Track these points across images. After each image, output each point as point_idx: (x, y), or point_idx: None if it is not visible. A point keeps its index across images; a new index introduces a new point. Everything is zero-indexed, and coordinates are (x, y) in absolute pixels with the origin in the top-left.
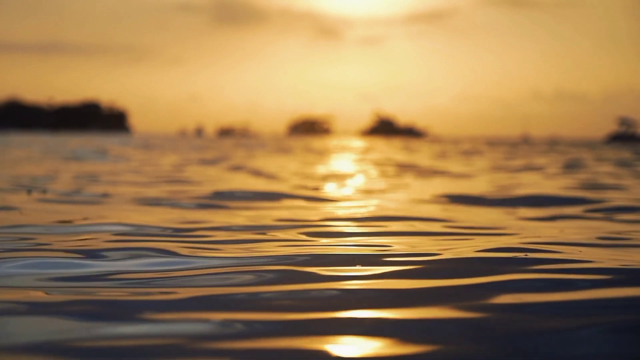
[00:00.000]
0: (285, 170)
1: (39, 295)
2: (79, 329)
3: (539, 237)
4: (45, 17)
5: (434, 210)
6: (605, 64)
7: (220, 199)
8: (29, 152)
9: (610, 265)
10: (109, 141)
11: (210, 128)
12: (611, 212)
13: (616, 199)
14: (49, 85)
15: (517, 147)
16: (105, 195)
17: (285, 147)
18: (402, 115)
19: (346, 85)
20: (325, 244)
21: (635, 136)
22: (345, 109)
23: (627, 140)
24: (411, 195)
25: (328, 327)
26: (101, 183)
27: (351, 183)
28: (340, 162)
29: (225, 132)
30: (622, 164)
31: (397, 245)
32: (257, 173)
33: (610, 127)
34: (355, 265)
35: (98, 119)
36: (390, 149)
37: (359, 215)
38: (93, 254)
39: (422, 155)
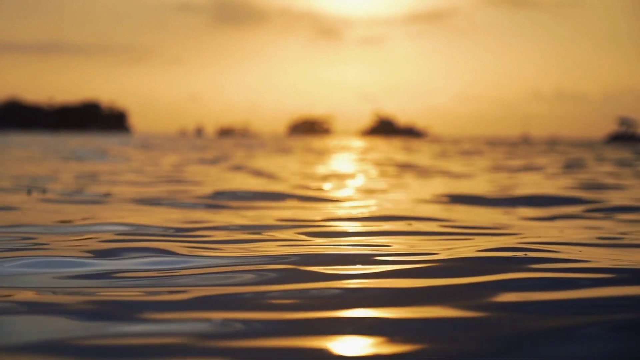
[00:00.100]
0: (285, 170)
1: (39, 295)
2: (79, 328)
3: (539, 236)
4: (45, 17)
5: (434, 210)
6: (605, 64)
7: (221, 199)
8: (28, 152)
9: (610, 264)
10: (108, 141)
11: (210, 128)
12: (611, 212)
13: (616, 199)
14: (49, 85)
15: (517, 147)
16: (105, 195)
17: (285, 147)
18: (402, 115)
19: (346, 85)
20: (325, 243)
21: (635, 136)
22: (345, 109)
23: (627, 140)
24: (411, 195)
25: (329, 326)
26: (101, 183)
27: (351, 183)
28: (340, 162)
29: (225, 132)
30: (622, 163)
31: (397, 244)
32: (258, 173)
33: (610, 127)
34: (355, 264)
35: (98, 119)
36: (390, 149)
37: (359, 215)
38: (93, 254)
39: (422, 155)
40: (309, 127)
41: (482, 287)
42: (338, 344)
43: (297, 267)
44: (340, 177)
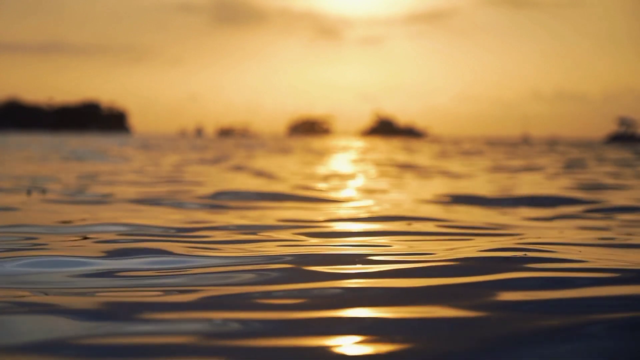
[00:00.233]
0: (285, 170)
1: (39, 295)
2: (79, 328)
3: (539, 237)
4: (45, 17)
5: (434, 210)
6: (605, 64)
7: (221, 199)
8: (28, 152)
9: (610, 264)
10: (108, 141)
11: (210, 128)
12: (611, 212)
13: (616, 199)
14: (49, 85)
15: (517, 147)
16: (105, 195)
17: (285, 147)
18: (402, 115)
19: (346, 85)
20: (325, 243)
21: (635, 136)
22: (345, 109)
23: (627, 140)
24: (411, 196)
25: (328, 326)
26: (101, 183)
27: (351, 183)
28: (340, 163)
29: (225, 132)
30: (622, 164)
31: (397, 245)
32: (258, 173)
33: (610, 127)
34: (355, 264)
35: (98, 119)
36: (390, 149)
37: (359, 216)
38: (93, 254)
39: (422, 155)
40: (309, 127)
41: (481, 287)
42: (338, 344)
43: (297, 267)
44: (340, 178)
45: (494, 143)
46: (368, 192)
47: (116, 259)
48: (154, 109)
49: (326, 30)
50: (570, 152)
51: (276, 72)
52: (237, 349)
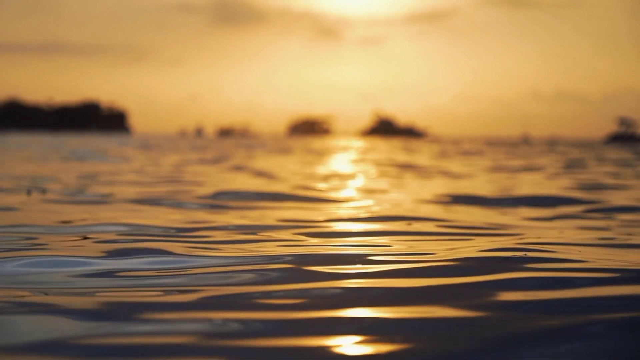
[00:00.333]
0: (285, 170)
1: (39, 295)
2: (79, 328)
3: (539, 237)
4: (45, 17)
5: (434, 210)
6: (605, 64)
7: (221, 199)
8: (28, 152)
9: (609, 264)
10: (108, 141)
11: (210, 128)
12: (611, 212)
13: (616, 199)
14: (49, 85)
15: (517, 147)
16: (105, 195)
17: (285, 147)
18: (402, 115)
19: (346, 85)
20: (325, 243)
21: (635, 136)
22: (345, 109)
23: (627, 140)
24: (411, 196)
25: (328, 326)
26: (101, 183)
27: (352, 183)
28: (340, 163)
29: (225, 133)
30: (622, 164)
31: (397, 245)
32: (258, 173)
33: (610, 127)
34: (355, 264)
35: (98, 119)
36: (390, 149)
37: (359, 216)
38: (94, 254)
39: (422, 155)
40: (309, 128)
41: (481, 287)
42: (338, 344)
43: (297, 267)
44: (340, 178)
45: (494, 143)
46: (368, 192)
47: (116, 259)
48: (154, 109)
49: (326, 30)
50: (570, 152)
51: (276, 72)
52: (237, 349)
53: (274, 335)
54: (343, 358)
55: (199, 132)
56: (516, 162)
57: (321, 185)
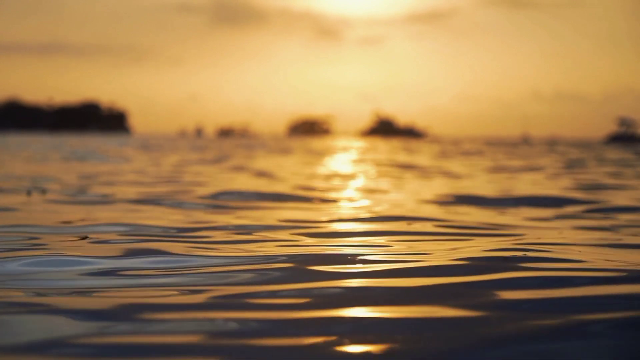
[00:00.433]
0: (285, 170)
1: (39, 295)
2: (79, 328)
3: (539, 237)
4: (45, 17)
5: (434, 211)
6: (605, 64)
7: (221, 199)
8: (28, 152)
9: (610, 264)
10: (108, 142)
11: (210, 128)
12: (611, 212)
13: (616, 199)
14: (49, 85)
15: (517, 147)
16: (105, 195)
17: (286, 147)
18: (402, 116)
19: (346, 85)
20: (325, 243)
21: (635, 136)
22: (345, 109)
23: (627, 140)
24: (411, 196)
25: (329, 326)
26: (102, 183)
27: (352, 183)
28: (340, 163)
29: (225, 133)
30: (622, 164)
31: (397, 244)
32: (258, 173)
33: (610, 127)
34: (355, 264)
35: (98, 119)
36: (390, 149)
37: (359, 216)
38: (94, 254)
39: (422, 155)
40: (309, 128)
41: (481, 287)
42: (338, 344)
43: (297, 267)
44: (340, 178)
45: (494, 143)
46: (368, 192)
47: (116, 259)
48: (154, 109)
49: (326, 30)
50: (570, 152)
51: (276, 72)
52: (237, 348)
53: (274, 335)
54: (343, 358)
55: (198, 132)
56: (516, 162)
57: (321, 185)
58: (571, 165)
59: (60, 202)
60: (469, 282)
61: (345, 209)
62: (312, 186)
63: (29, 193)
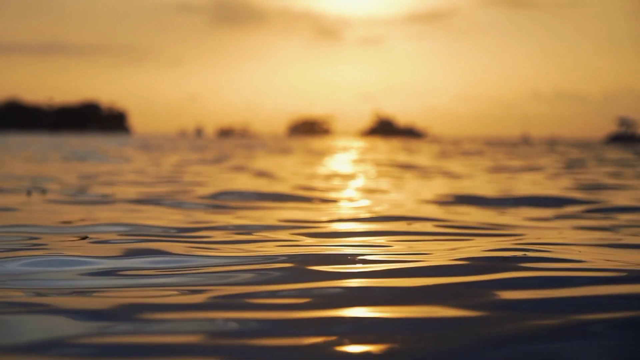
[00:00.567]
0: (285, 170)
1: (39, 295)
2: (79, 328)
3: (539, 237)
4: (45, 17)
5: (434, 211)
6: (605, 64)
7: (222, 199)
8: (28, 152)
9: (609, 264)
10: (108, 142)
11: (210, 128)
12: (611, 212)
13: (616, 199)
14: (49, 85)
15: (517, 147)
16: (105, 195)
17: (286, 147)
18: (402, 116)
19: (346, 85)
20: (325, 243)
21: (635, 136)
22: (345, 109)
23: (627, 140)
24: (411, 196)
25: (329, 326)
26: (102, 183)
27: (352, 183)
28: (340, 163)
29: (225, 133)
30: (622, 164)
31: (397, 244)
32: (258, 173)
33: (610, 127)
34: (355, 264)
35: (97, 119)
36: (390, 149)
37: (359, 216)
38: (94, 254)
39: (422, 155)
40: (309, 128)
41: (481, 287)
42: (338, 344)
43: (297, 267)
44: (340, 178)
45: (493, 143)
46: (368, 192)
47: (116, 259)
48: (154, 109)
49: (326, 30)
50: (570, 152)
51: (276, 72)
52: (237, 348)
53: (274, 335)
54: (343, 358)
55: (198, 132)
56: (516, 162)
57: (321, 185)
58: (571, 165)
59: (60, 202)
60: (469, 282)
61: (345, 209)
62: (312, 186)
63: (29, 193)
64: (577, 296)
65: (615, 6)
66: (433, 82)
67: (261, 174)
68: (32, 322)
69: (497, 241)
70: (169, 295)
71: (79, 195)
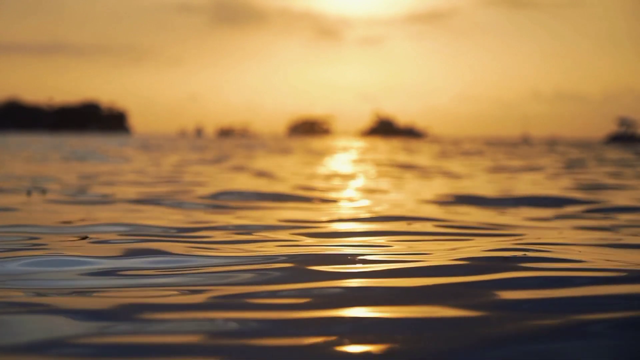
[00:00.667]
0: (285, 170)
1: (39, 295)
2: (79, 328)
3: (539, 237)
4: (45, 17)
5: (434, 211)
6: (605, 64)
7: (222, 199)
8: (28, 152)
9: (609, 264)
10: (108, 142)
11: (210, 128)
12: (611, 212)
13: (616, 199)
14: (49, 85)
15: (517, 147)
16: (105, 195)
17: (286, 147)
18: (402, 116)
19: (346, 85)
20: (325, 243)
21: (635, 136)
22: (345, 109)
23: (627, 140)
24: (412, 196)
25: (329, 326)
26: (102, 183)
27: (352, 183)
28: (340, 163)
29: (225, 133)
30: (622, 164)
31: (397, 244)
32: (258, 173)
33: (610, 127)
34: (355, 264)
35: (98, 119)
36: (390, 149)
37: (359, 216)
38: (94, 254)
39: (423, 155)
40: (309, 128)
41: (481, 287)
42: (338, 344)
43: (297, 267)
44: (340, 178)
45: (493, 143)
46: (368, 192)
47: (116, 259)
48: (154, 109)
49: (326, 30)
50: (570, 152)
51: (276, 72)
52: (237, 348)
53: (274, 335)
54: (343, 358)
55: (198, 132)
56: (516, 162)
57: (321, 185)
58: (571, 165)
59: (60, 202)
60: (469, 282)
61: (345, 209)
62: (312, 186)
63: (29, 193)
64: (577, 296)
65: (615, 6)
66: (433, 82)
67: (261, 174)
68: (32, 322)
69: (497, 241)
70: (169, 295)
71: (79, 195)
